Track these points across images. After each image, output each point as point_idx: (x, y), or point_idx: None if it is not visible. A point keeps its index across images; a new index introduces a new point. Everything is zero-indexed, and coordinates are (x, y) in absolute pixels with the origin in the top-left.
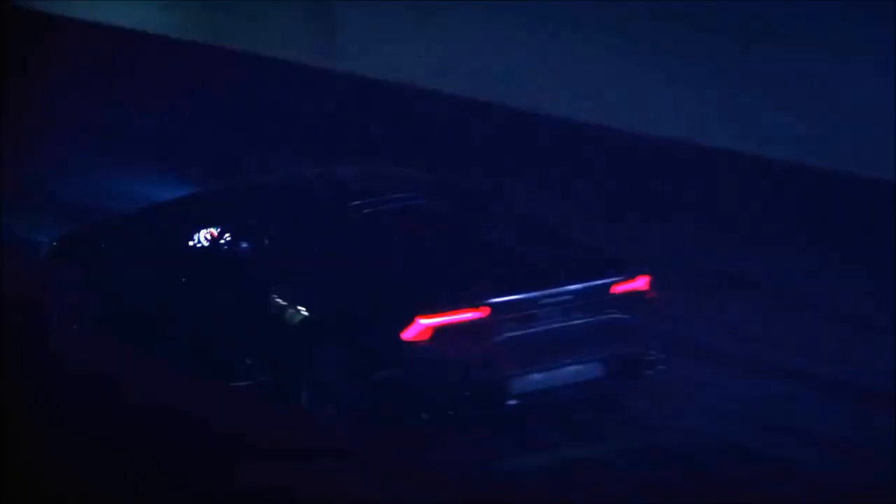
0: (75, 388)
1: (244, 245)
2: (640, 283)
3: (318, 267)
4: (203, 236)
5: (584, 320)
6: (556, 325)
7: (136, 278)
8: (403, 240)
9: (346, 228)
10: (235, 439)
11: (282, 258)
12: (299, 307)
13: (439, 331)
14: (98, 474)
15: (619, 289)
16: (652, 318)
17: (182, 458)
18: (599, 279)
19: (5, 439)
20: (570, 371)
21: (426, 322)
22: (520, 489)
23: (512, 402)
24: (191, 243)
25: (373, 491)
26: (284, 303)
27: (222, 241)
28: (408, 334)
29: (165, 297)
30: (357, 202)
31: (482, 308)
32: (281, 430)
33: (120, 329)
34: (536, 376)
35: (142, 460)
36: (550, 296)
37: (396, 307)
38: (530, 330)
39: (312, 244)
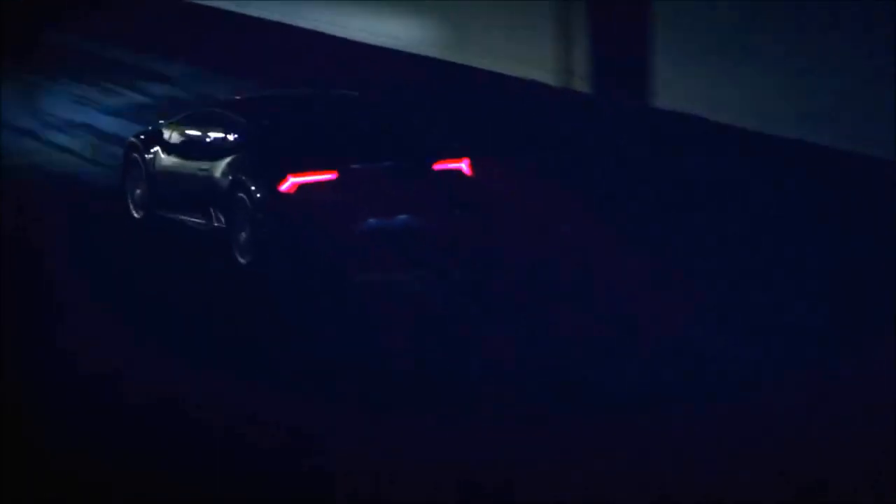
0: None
1: (210, 139)
2: (463, 163)
3: (237, 148)
4: (198, 135)
5: (412, 185)
6: (390, 187)
7: (165, 163)
8: (286, 128)
9: (254, 125)
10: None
11: (223, 146)
12: (228, 174)
13: (303, 186)
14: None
15: (441, 166)
16: (469, 190)
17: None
18: (427, 156)
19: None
20: (399, 219)
21: (294, 179)
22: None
23: (354, 236)
24: (192, 138)
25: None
26: (224, 172)
27: (207, 139)
28: (283, 187)
29: (177, 174)
30: (266, 107)
31: (332, 171)
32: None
33: (156, 198)
34: (372, 221)
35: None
36: (386, 166)
37: (276, 170)
38: (369, 189)
39: (236, 135)
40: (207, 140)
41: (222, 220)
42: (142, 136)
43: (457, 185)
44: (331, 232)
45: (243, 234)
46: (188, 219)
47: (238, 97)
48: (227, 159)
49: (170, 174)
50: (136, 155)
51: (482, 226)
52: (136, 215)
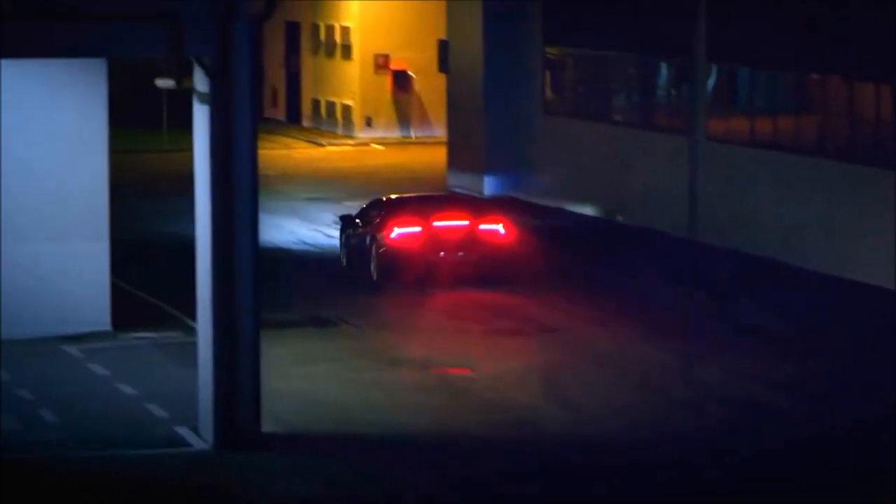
0: None
1: (368, 216)
2: (499, 225)
3: (368, 218)
4: (364, 214)
5: (466, 235)
6: (453, 236)
7: (350, 232)
8: (402, 207)
9: (387, 206)
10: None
11: (373, 218)
12: (369, 232)
13: (403, 234)
14: None
15: (485, 226)
16: (503, 244)
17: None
18: (476, 219)
19: None
20: (458, 255)
21: (398, 230)
22: None
23: (431, 263)
24: (362, 216)
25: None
26: (362, 234)
27: (363, 218)
28: (391, 235)
29: (356, 238)
30: (401, 199)
31: (419, 226)
32: None
33: (349, 257)
34: (441, 254)
35: None
36: (452, 225)
37: (388, 227)
38: (441, 237)
39: (375, 213)
40: (366, 217)
41: (367, 257)
42: (343, 217)
43: (493, 236)
44: (416, 260)
45: (373, 263)
46: (352, 261)
47: (393, 195)
48: (372, 224)
49: (354, 238)
50: (341, 229)
51: (505, 260)
52: (344, 264)
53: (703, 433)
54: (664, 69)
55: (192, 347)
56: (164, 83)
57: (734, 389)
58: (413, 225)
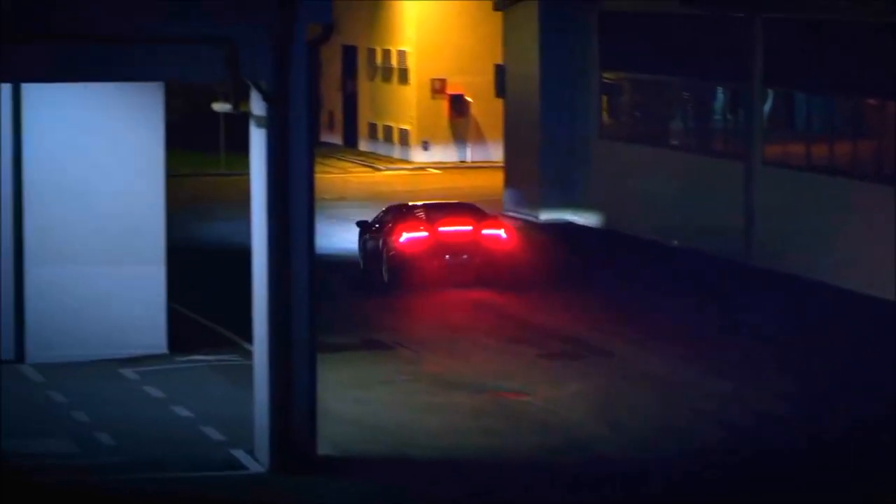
0: None
1: (385, 222)
2: (501, 230)
3: (382, 224)
4: (381, 220)
5: (471, 242)
6: (458, 240)
7: (367, 237)
8: (416, 213)
9: (400, 212)
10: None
11: (381, 224)
12: (382, 237)
13: (411, 238)
14: None
15: (487, 231)
16: (504, 248)
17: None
18: (480, 224)
19: None
20: (462, 257)
21: (406, 235)
22: None
23: (436, 266)
24: (380, 222)
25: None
26: (376, 238)
27: (377, 224)
28: (400, 240)
29: (369, 244)
30: (414, 205)
31: (426, 231)
32: None
33: (365, 260)
34: (447, 257)
35: None
36: (457, 230)
37: (398, 231)
38: (447, 241)
39: (388, 219)
40: (380, 222)
41: (381, 260)
42: (362, 223)
43: (495, 241)
44: (423, 263)
45: (384, 266)
46: (367, 264)
47: (409, 203)
48: (385, 229)
49: (370, 242)
50: (360, 233)
51: (506, 262)
52: (362, 267)
53: (756, 456)
54: (720, 94)
55: (248, 370)
56: (221, 107)
57: (795, 418)
58: (420, 230)
